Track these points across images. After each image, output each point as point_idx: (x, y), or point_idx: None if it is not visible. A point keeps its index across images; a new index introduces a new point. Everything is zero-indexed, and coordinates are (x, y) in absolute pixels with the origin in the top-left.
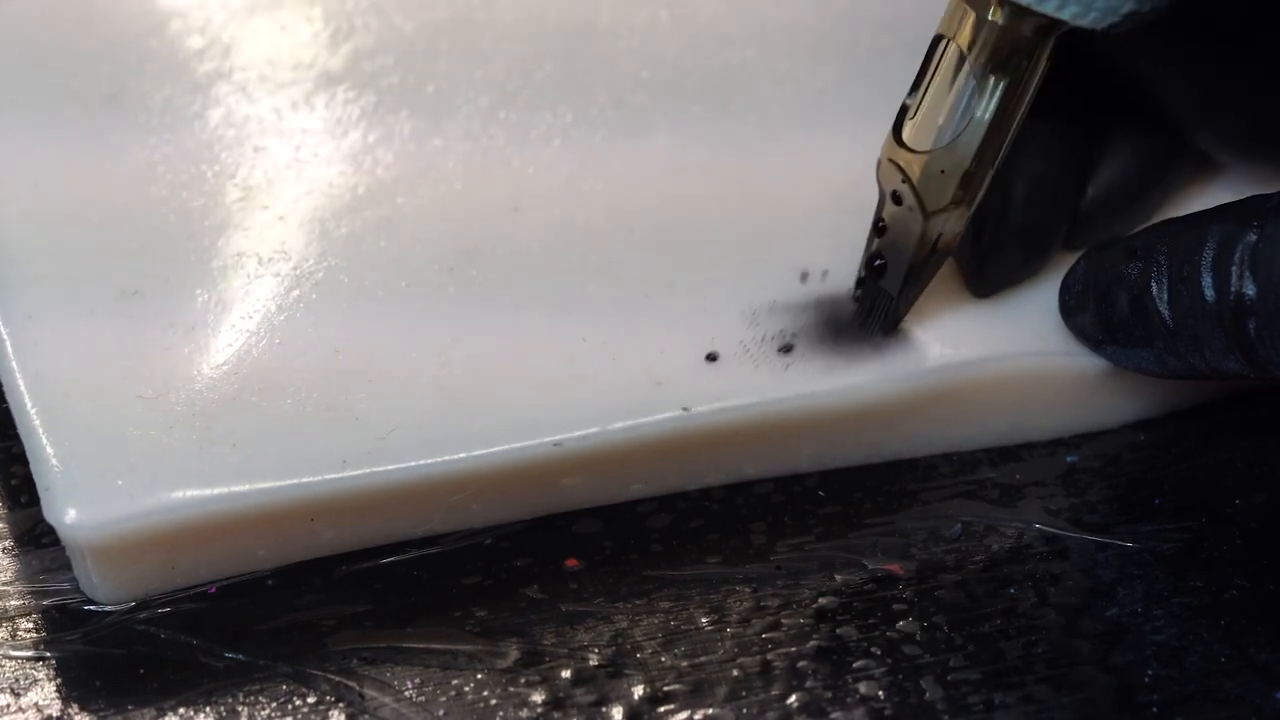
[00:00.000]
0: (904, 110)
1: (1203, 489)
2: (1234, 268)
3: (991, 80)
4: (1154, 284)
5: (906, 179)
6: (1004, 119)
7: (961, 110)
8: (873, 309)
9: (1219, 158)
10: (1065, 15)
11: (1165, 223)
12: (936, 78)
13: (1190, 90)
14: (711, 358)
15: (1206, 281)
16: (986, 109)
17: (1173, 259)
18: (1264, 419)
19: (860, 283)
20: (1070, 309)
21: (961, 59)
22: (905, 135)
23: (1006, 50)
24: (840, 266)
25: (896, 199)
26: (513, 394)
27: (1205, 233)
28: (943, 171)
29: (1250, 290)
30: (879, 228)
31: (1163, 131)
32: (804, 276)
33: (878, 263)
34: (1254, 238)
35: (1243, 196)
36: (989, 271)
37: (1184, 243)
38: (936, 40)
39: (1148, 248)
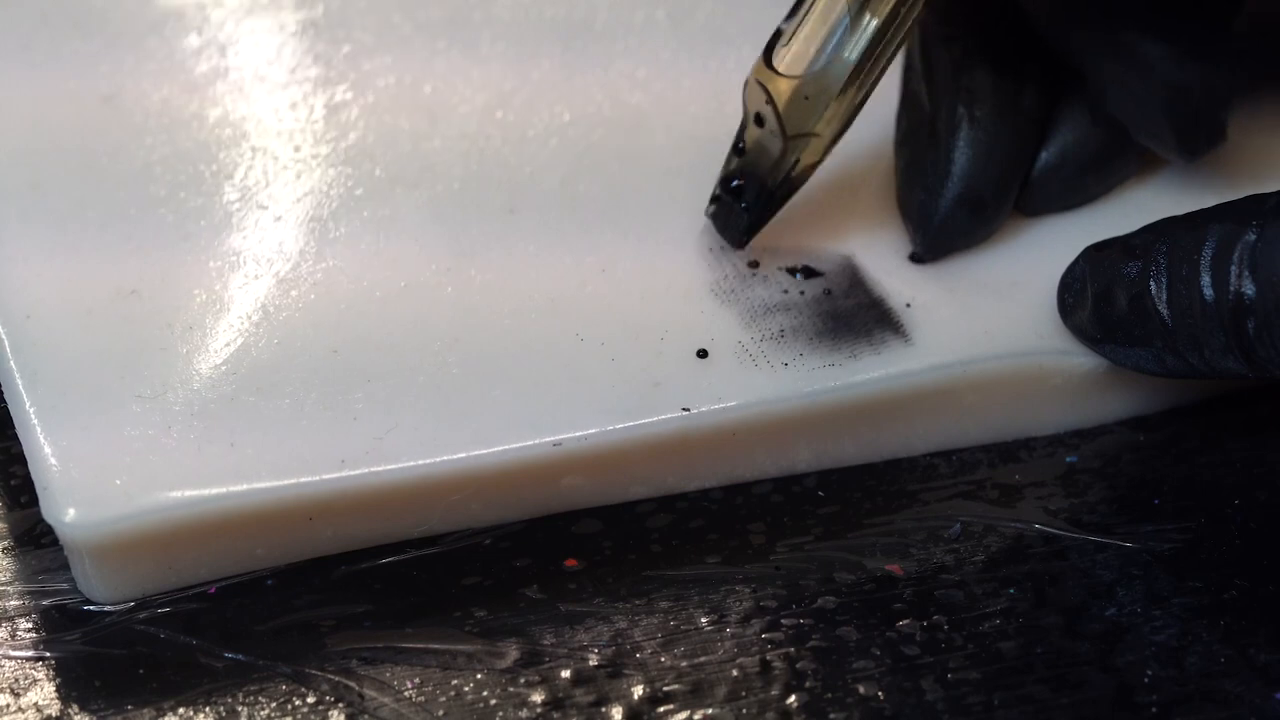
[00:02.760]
0: (778, 34)
1: (1203, 489)
2: (1233, 267)
3: (866, 19)
4: (1153, 283)
5: (771, 101)
6: (874, 56)
7: (834, 43)
8: (726, 224)
9: (1134, 136)
10: None
11: (1164, 222)
12: (814, 8)
13: (1102, 60)
14: (702, 354)
15: (1205, 281)
16: (857, 45)
17: (1172, 258)
18: (1264, 419)
19: (715, 199)
20: (1069, 308)
21: None
22: (775, 60)
23: None
24: (839, 265)
25: (759, 121)
26: (511, 394)
27: (1204, 232)
28: (807, 98)
29: (1249, 290)
30: (739, 149)
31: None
32: (804, 275)
33: (734, 183)
34: (1253, 237)
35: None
36: (933, 235)
37: (1183, 242)
38: None
39: (1147, 247)
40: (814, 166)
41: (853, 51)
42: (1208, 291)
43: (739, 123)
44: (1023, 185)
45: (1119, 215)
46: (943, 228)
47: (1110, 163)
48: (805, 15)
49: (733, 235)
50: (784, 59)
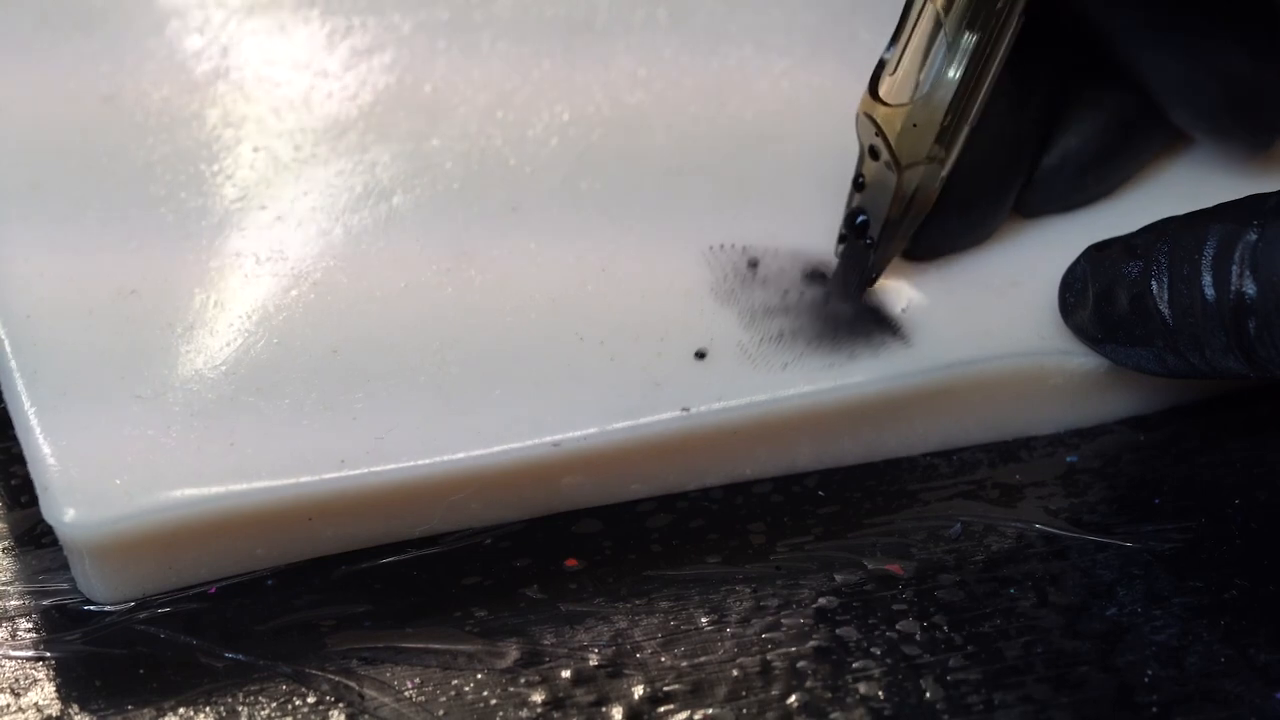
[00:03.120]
0: (881, 65)
1: (1203, 489)
2: (1234, 267)
3: (965, 36)
4: (1154, 283)
5: (881, 133)
6: (976, 74)
7: (936, 66)
8: (852, 264)
9: (1190, 131)
10: None
11: (1165, 221)
12: (912, 33)
13: (1166, 59)
14: (700, 355)
15: (1207, 281)
16: (959, 64)
17: (1173, 258)
18: (1264, 419)
19: (842, 239)
20: (1070, 307)
21: (937, 15)
22: (881, 90)
23: (979, 6)
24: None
25: (874, 154)
26: (511, 394)
27: (1205, 232)
28: (915, 125)
29: (1250, 290)
30: (858, 183)
31: (1128, 103)
32: (804, 276)
33: (859, 220)
34: (1254, 237)
35: (1202, 175)
36: (926, 236)
37: (1184, 242)
38: None
39: (1148, 247)
40: (935, 193)
41: (956, 70)
42: (1209, 291)
43: (750, 128)
44: (1022, 187)
45: (1120, 215)
46: (936, 230)
47: (1110, 163)
48: (906, 42)
49: (858, 274)
50: (889, 88)
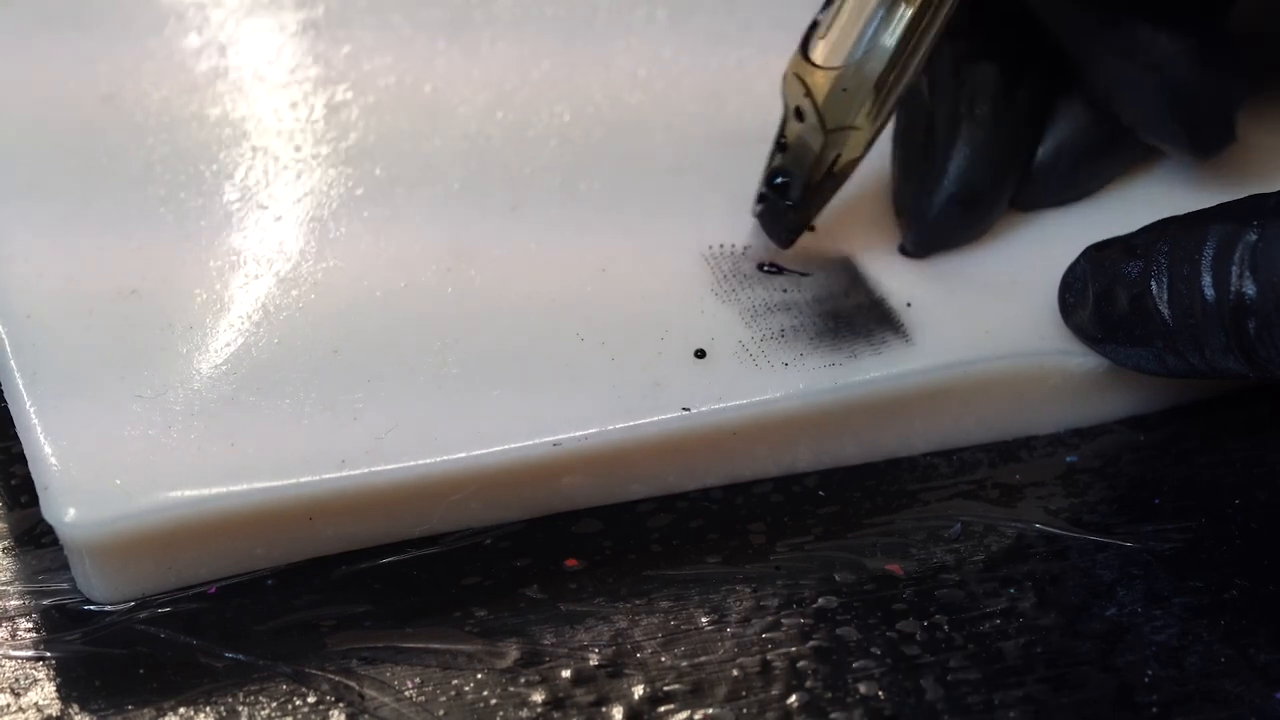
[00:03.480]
0: (814, 26)
1: (1203, 489)
2: (1234, 267)
3: (901, 8)
4: (1154, 283)
5: (809, 94)
6: (910, 45)
7: (871, 33)
8: (772, 223)
9: (1140, 136)
10: None
11: (1165, 221)
12: None
13: (1109, 59)
14: (699, 354)
15: (1206, 281)
16: (894, 33)
17: (1173, 258)
18: (1264, 419)
19: (761, 197)
20: (1070, 307)
21: None
22: (813, 52)
23: None
24: (839, 265)
25: (799, 115)
26: (511, 394)
27: (1205, 232)
28: (845, 90)
29: (1250, 290)
30: (780, 144)
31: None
32: (805, 274)
33: (778, 180)
34: (1254, 237)
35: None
36: (925, 231)
37: (1184, 242)
38: None
39: (1148, 247)
40: (857, 161)
41: (890, 38)
42: (1209, 291)
43: (750, 128)
44: (1020, 183)
45: (1119, 214)
46: (935, 224)
47: (1104, 158)
48: (841, 4)
49: (779, 234)
50: (821, 50)
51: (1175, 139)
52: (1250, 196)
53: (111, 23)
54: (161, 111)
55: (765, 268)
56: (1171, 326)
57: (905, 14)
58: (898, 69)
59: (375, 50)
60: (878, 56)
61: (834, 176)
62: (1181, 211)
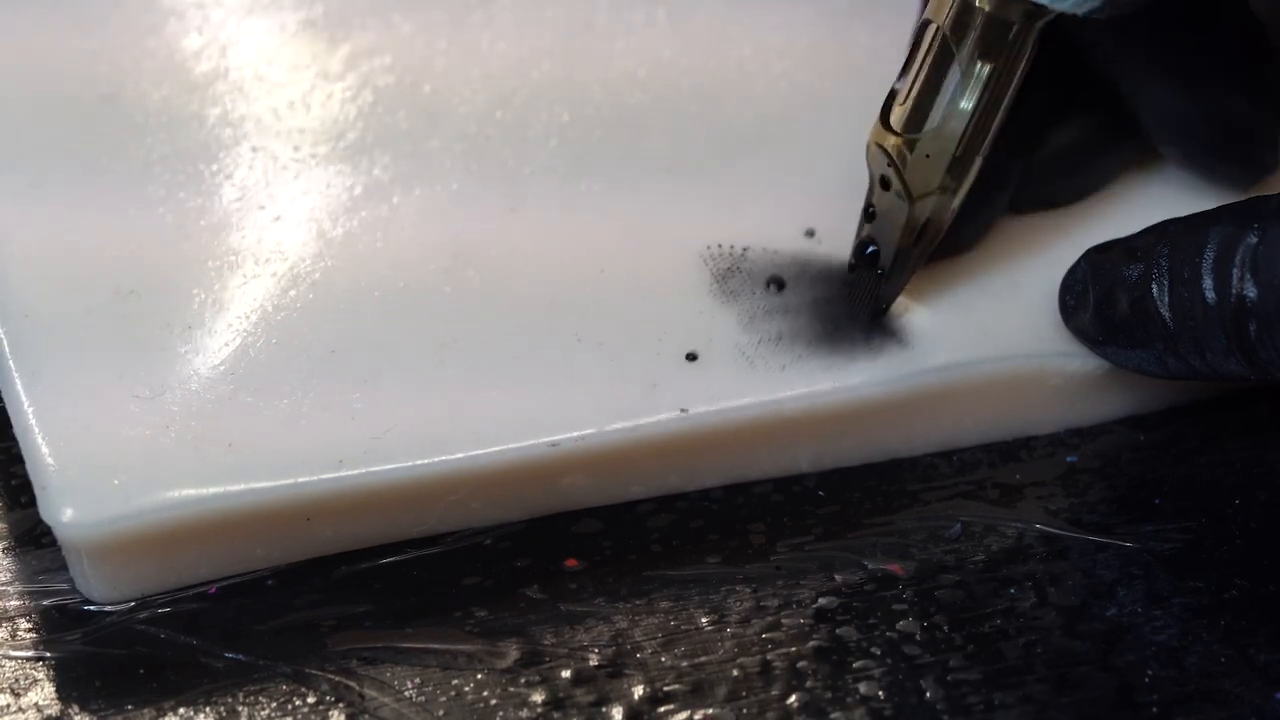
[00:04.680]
0: (892, 95)
1: (1203, 489)
2: (1235, 270)
3: (978, 66)
4: (1155, 286)
5: (893, 163)
6: (989, 105)
7: (948, 96)
8: (863, 294)
9: (1177, 165)
10: (1048, 0)
11: (1166, 224)
12: (924, 63)
13: (1165, 97)
14: (690, 357)
15: (1207, 283)
16: (972, 95)
17: (1174, 261)
18: (1264, 419)
19: (851, 268)
20: (1070, 310)
21: (948, 45)
22: (893, 120)
23: (993, 37)
24: (837, 263)
25: (884, 184)
26: (510, 394)
27: (1206, 235)
28: (928, 156)
29: (1251, 292)
30: (869, 213)
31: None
32: (803, 278)
33: (869, 250)
34: (1255, 240)
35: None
36: None
37: (1185, 245)
38: (924, 25)
39: (1149, 249)
40: (947, 223)
41: (969, 101)
42: (1209, 294)
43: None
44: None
45: (1119, 216)
46: None
47: (1104, 158)
48: (917, 72)
49: (869, 305)
50: (900, 118)
51: (1224, 172)
52: (1251, 199)
53: (111, 23)
54: (161, 111)
55: (771, 285)
56: (1172, 329)
57: (983, 73)
58: (979, 129)
59: (374, 50)
60: (958, 118)
61: (923, 241)
62: (1182, 214)
